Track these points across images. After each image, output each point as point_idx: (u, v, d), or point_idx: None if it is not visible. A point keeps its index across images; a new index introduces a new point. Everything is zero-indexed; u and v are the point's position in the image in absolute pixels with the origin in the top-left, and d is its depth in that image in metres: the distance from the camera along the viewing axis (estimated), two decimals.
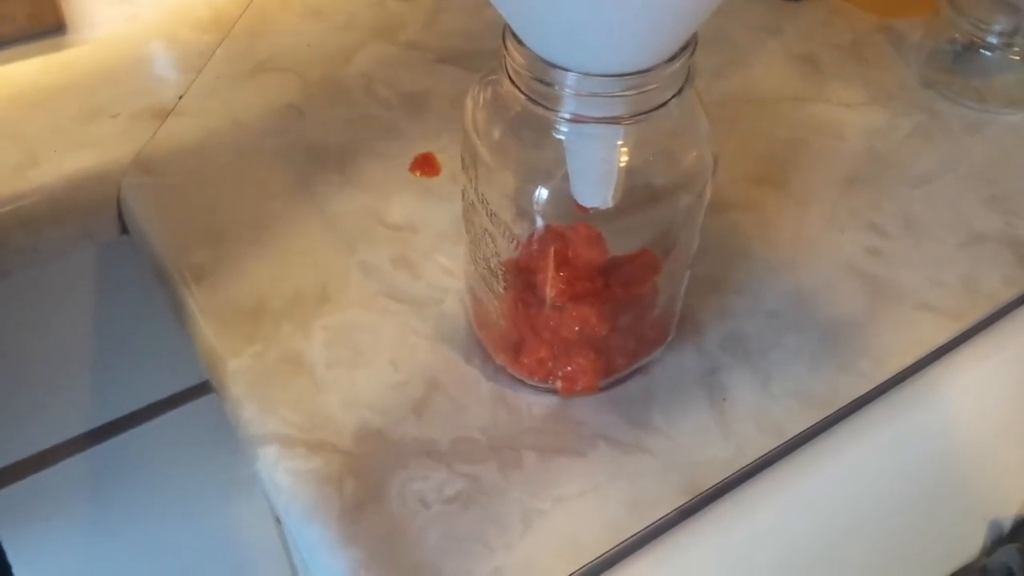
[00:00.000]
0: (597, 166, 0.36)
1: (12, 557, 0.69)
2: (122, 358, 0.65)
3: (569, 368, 0.43)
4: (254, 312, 0.47)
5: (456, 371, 0.45)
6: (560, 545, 0.39)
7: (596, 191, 0.37)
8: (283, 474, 0.41)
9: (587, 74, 0.34)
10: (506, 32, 0.35)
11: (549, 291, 0.40)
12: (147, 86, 0.59)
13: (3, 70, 0.59)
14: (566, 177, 0.37)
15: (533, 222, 0.39)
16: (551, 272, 0.40)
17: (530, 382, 0.44)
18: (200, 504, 0.79)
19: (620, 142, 0.36)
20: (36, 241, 0.52)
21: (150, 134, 0.56)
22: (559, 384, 0.43)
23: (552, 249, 0.39)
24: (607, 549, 0.38)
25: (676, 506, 0.40)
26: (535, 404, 0.44)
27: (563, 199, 0.37)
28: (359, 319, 0.47)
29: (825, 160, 0.56)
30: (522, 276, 0.41)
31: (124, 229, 0.54)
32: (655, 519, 0.39)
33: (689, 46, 0.35)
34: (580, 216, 0.38)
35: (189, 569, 0.85)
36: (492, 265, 0.41)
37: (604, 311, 0.41)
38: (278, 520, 0.68)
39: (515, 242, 0.40)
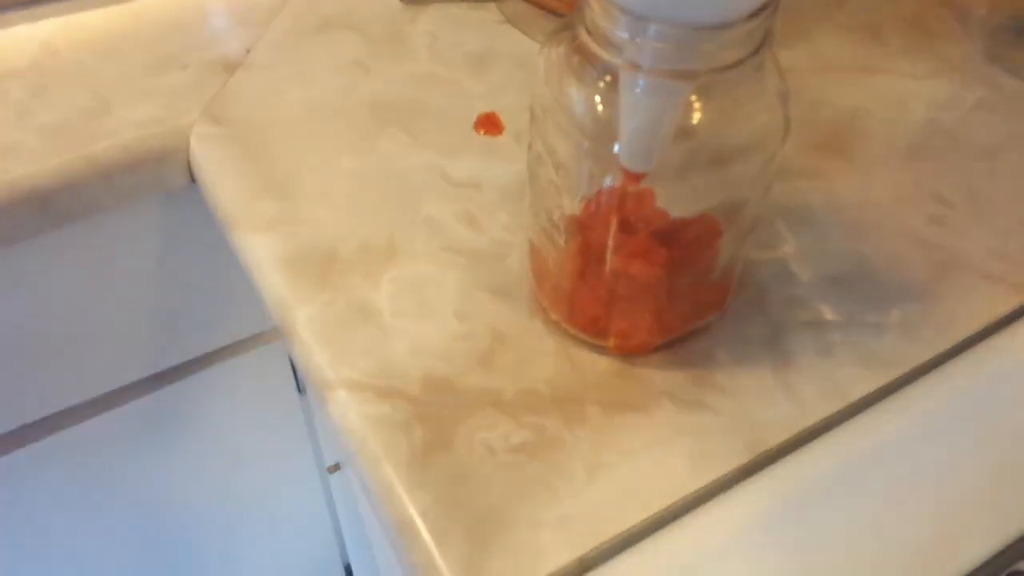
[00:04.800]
0: (651, 126, 0.36)
1: (70, 492, 0.71)
2: (179, 307, 0.66)
3: (624, 325, 0.43)
4: (323, 262, 0.47)
5: (520, 325, 0.45)
6: (625, 497, 0.39)
7: (641, 153, 0.37)
8: (354, 418, 0.41)
9: (667, 24, 0.34)
10: None
11: (609, 248, 0.41)
12: (215, 38, 0.60)
13: (75, 17, 0.60)
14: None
15: (600, 178, 0.39)
16: (613, 230, 0.40)
17: (582, 337, 0.44)
18: (247, 455, 0.80)
19: (687, 99, 0.36)
20: (108, 187, 0.53)
21: (219, 86, 0.56)
22: (612, 342, 0.44)
23: (616, 206, 0.39)
24: (671, 502, 0.39)
25: (738, 464, 0.40)
26: (599, 360, 0.44)
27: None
28: (425, 272, 0.47)
29: (889, 130, 0.56)
30: (583, 232, 0.41)
31: (193, 178, 0.55)
32: (718, 476, 0.40)
33: (770, 5, 0.35)
34: (646, 176, 0.38)
35: (234, 517, 0.87)
36: (555, 218, 0.42)
37: (662, 272, 0.41)
38: (334, 467, 0.70)
39: (580, 196, 0.40)
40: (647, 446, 0.41)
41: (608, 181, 0.39)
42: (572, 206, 0.40)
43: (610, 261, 0.41)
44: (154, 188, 0.55)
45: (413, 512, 0.39)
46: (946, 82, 0.59)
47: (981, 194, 0.52)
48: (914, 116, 0.57)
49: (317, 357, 0.44)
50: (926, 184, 0.52)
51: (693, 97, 0.36)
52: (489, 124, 0.55)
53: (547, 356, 0.44)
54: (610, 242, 0.40)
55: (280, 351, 0.71)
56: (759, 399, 0.43)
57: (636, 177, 0.38)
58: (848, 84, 0.59)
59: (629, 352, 0.44)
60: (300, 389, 0.75)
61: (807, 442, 0.41)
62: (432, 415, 0.42)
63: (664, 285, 0.42)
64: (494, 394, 0.43)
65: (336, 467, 0.71)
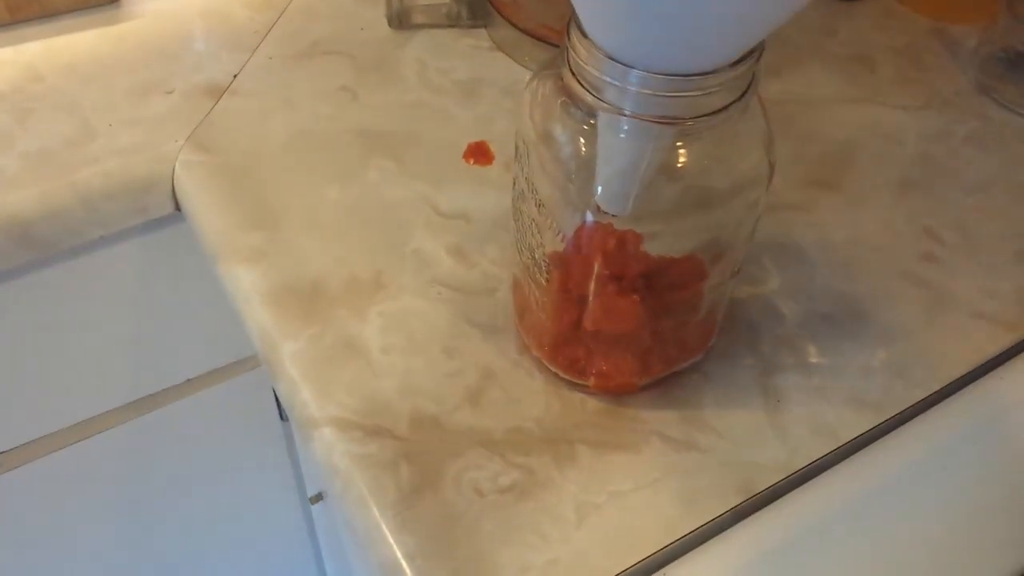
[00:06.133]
0: (631, 170, 0.35)
1: (48, 519, 0.69)
2: (161, 334, 0.65)
3: (604, 367, 0.43)
4: (310, 295, 0.47)
5: (509, 361, 0.45)
6: (615, 540, 0.39)
7: (619, 196, 0.36)
8: (340, 457, 0.41)
9: (651, 72, 0.33)
10: (571, 25, 0.35)
11: (591, 288, 0.40)
12: (201, 63, 0.59)
13: (58, 40, 0.60)
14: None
15: (582, 216, 0.38)
16: (595, 269, 0.39)
17: (564, 377, 0.44)
18: (228, 483, 0.79)
19: (671, 143, 0.36)
20: (91, 215, 0.53)
21: (205, 112, 0.56)
22: (592, 381, 0.43)
23: (598, 246, 0.39)
24: (662, 546, 0.39)
25: (731, 506, 0.40)
26: (589, 398, 0.44)
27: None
28: (414, 306, 0.47)
29: (880, 163, 0.56)
30: (565, 270, 0.41)
31: (178, 206, 0.54)
32: (710, 518, 0.39)
33: (755, 52, 0.35)
34: (632, 216, 0.37)
35: (214, 546, 0.86)
36: (537, 256, 0.41)
37: (645, 313, 0.40)
38: (316, 498, 0.69)
39: (561, 235, 0.39)
40: (637, 487, 0.40)
41: (590, 221, 0.38)
42: (554, 245, 0.40)
43: (592, 300, 0.40)
44: (138, 216, 0.54)
45: (399, 555, 0.38)
46: (937, 114, 0.59)
47: (972, 230, 0.52)
48: (905, 149, 0.57)
49: (303, 394, 0.43)
50: (917, 219, 0.52)
51: (679, 142, 0.36)
52: (479, 153, 0.55)
53: (536, 394, 0.44)
54: (593, 281, 0.40)
55: (262, 378, 0.70)
56: (749, 439, 0.42)
57: (611, 219, 0.37)
58: (839, 115, 0.59)
59: (611, 392, 0.44)
60: (282, 416, 0.74)
61: (798, 484, 0.41)
62: (420, 455, 0.41)
63: (646, 329, 0.41)
64: (483, 433, 0.42)
65: (318, 497, 0.70)
